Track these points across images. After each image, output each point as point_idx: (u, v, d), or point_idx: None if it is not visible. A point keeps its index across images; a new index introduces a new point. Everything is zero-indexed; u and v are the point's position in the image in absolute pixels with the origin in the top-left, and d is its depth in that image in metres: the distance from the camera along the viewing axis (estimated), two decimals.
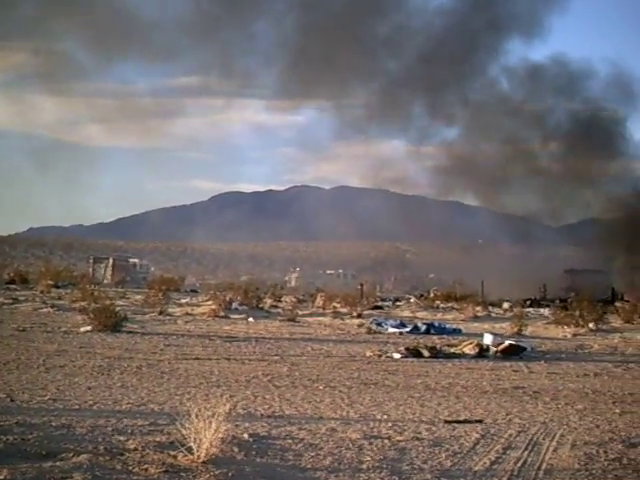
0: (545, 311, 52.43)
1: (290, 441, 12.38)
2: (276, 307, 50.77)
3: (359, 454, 11.65)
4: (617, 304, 60.36)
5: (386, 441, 12.63)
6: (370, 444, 12.34)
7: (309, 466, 10.89)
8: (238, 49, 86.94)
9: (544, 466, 11.18)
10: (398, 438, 12.89)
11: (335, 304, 51.44)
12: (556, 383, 20.63)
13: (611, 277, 76.73)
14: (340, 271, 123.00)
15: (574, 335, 36.04)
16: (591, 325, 38.97)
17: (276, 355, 25.64)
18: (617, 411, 16.32)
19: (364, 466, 10.95)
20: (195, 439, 10.32)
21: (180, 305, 48.86)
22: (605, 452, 12.15)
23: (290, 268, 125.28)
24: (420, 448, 12.20)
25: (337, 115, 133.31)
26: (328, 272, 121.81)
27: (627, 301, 65.38)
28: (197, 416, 10.45)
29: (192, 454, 10.31)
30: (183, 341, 29.25)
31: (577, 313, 40.90)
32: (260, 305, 49.30)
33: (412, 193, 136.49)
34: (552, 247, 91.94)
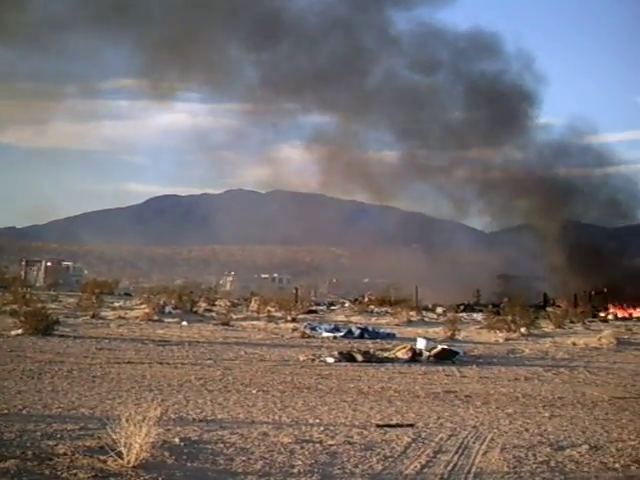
0: (478, 316, 52.94)
1: (222, 445, 12.34)
2: (210, 311, 50.63)
3: (290, 458, 11.64)
4: (549, 309, 61.25)
5: (318, 445, 12.64)
6: (302, 448, 12.34)
7: (240, 470, 10.86)
8: (169, 52, 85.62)
9: (474, 469, 11.28)
10: (330, 442, 12.91)
11: (269, 308, 51.47)
12: (487, 387, 20.82)
13: (543, 282, 77.70)
14: (275, 275, 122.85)
15: (506, 340, 36.38)
16: (523, 330, 39.39)
17: (209, 359, 25.53)
18: (546, 415, 16.51)
19: (295, 470, 10.96)
20: (125, 443, 10.24)
21: (113, 309, 48.54)
22: (534, 455, 12.29)
23: (225, 272, 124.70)
24: (352, 452, 12.23)
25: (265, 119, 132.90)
26: (263, 276, 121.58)
27: (559, 306, 66.40)
28: (128, 420, 10.37)
29: (122, 459, 10.23)
30: (116, 345, 29.00)
31: (509, 318, 41.35)
32: (194, 309, 49.15)
33: (349, 198, 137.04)
34: (486, 252, 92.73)
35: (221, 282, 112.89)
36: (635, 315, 67.35)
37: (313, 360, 25.83)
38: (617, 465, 11.81)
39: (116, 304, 52.88)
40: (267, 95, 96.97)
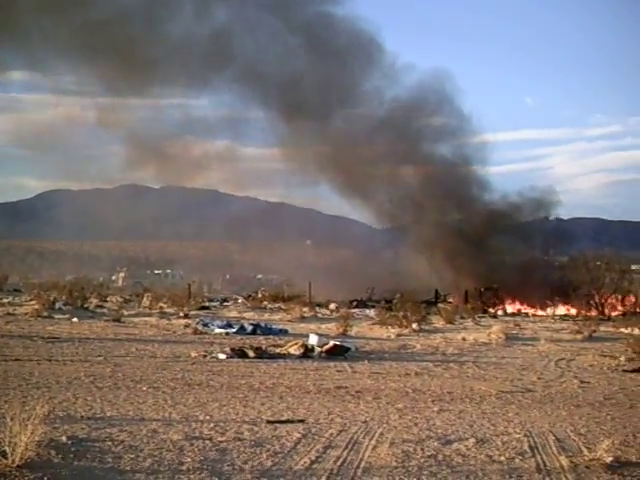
0: (371, 312, 53.29)
1: (110, 443, 12.20)
2: (102, 307, 49.86)
3: (180, 455, 11.58)
4: (440, 305, 62.05)
5: (207, 442, 12.60)
6: (191, 445, 12.28)
7: (128, 468, 10.76)
8: (63, 45, 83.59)
9: (363, 464, 11.38)
10: (220, 439, 12.88)
11: (162, 304, 51.00)
12: (378, 382, 21.01)
13: (435, 279, 78.64)
14: (168, 271, 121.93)
15: (398, 335, 36.75)
16: (414, 325, 39.84)
17: (99, 356, 25.20)
18: (435, 409, 16.75)
19: (184, 467, 10.91)
20: (10, 443, 10.05)
21: (2, 305, 47.47)
22: (422, 449, 12.46)
23: (117, 268, 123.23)
24: (241, 448, 12.22)
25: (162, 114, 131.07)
26: (156, 272, 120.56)
27: (449, 302, 67.37)
28: (12, 419, 10.18)
29: (6, 458, 10.03)
30: (3, 342, 28.38)
31: (401, 314, 41.77)
32: (85, 305, 48.35)
33: (243, 194, 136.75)
34: (379, 249, 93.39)
35: (113, 278, 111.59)
36: (524, 310, 68.80)
37: (205, 356, 25.72)
38: (502, 458, 12.05)
39: (5, 300, 51.72)
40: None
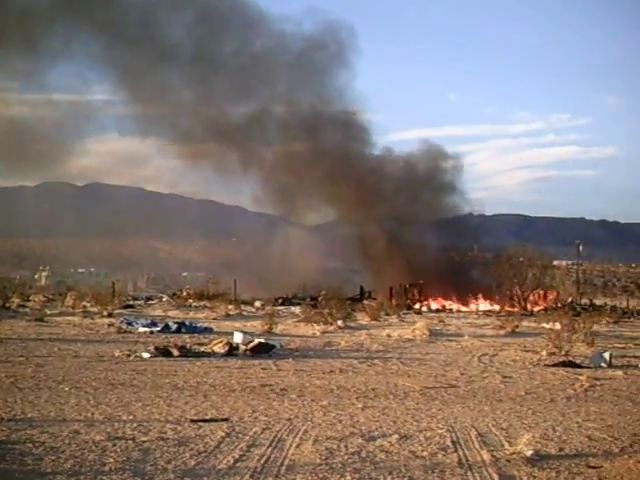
0: (296, 309, 53.33)
1: (30, 445, 12.05)
2: (24, 307, 49.12)
3: (102, 456, 11.49)
4: (365, 302, 62.35)
5: (130, 442, 12.51)
6: (114, 445, 12.19)
7: (49, 470, 10.64)
8: None
9: (287, 462, 11.39)
10: (143, 439, 12.79)
11: (85, 303, 50.40)
12: (303, 380, 21.02)
13: (361, 275, 79.01)
14: (92, 270, 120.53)
15: (323, 332, 36.80)
16: (339, 322, 39.96)
17: (21, 356, 24.85)
18: (359, 406, 16.82)
19: (106, 468, 10.83)
20: None
21: None
22: (346, 446, 12.52)
23: (40, 266, 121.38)
24: (165, 448, 12.16)
25: (82, 111, 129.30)
26: (80, 270, 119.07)
27: (374, 299, 67.67)
28: None
29: None
30: None
31: (326, 311, 41.86)
32: (7, 305, 47.62)
33: (168, 192, 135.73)
34: (306, 245, 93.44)
35: (36, 277, 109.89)
36: (448, 307, 69.45)
37: (128, 355, 25.50)
38: (425, 453, 12.16)
39: None
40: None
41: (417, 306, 66.17)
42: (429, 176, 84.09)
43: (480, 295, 72.06)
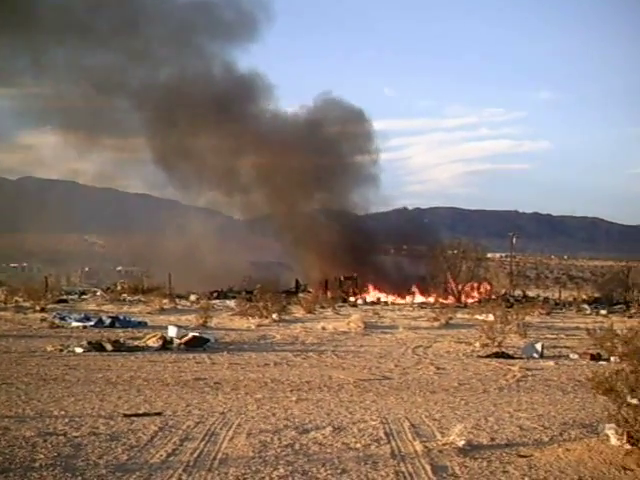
0: (231, 303, 53.20)
1: None
2: None
3: (32, 452, 11.35)
4: (300, 295, 62.42)
5: (62, 437, 12.39)
6: (45, 441, 12.05)
7: None
8: None
9: (220, 456, 11.36)
10: (74, 434, 12.67)
11: (17, 298, 49.80)
12: (237, 373, 20.98)
13: (296, 268, 79.08)
14: (25, 264, 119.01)
15: (258, 326, 36.77)
16: (274, 316, 39.96)
17: None
18: (293, 399, 16.82)
19: (37, 464, 10.70)
20: None
21: None
22: (279, 439, 12.51)
23: None
24: (97, 443, 12.05)
25: (19, 105, 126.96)
26: (12, 265, 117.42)
27: (310, 292, 67.78)
28: None
29: None
30: None
31: (261, 304, 41.81)
32: None
33: (104, 186, 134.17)
34: (242, 239, 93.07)
35: None
36: (383, 299, 69.78)
37: (61, 350, 25.25)
38: (358, 445, 12.20)
39: None
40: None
41: (352, 299, 66.38)
42: (358, 168, 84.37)
43: (415, 287, 72.55)
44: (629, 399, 11.23)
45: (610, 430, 11.74)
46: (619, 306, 62.60)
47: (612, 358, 24.14)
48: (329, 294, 64.86)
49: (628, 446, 11.27)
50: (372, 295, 71.59)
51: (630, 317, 48.05)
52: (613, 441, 11.64)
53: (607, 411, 11.71)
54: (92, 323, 34.93)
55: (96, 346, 25.70)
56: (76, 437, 12.45)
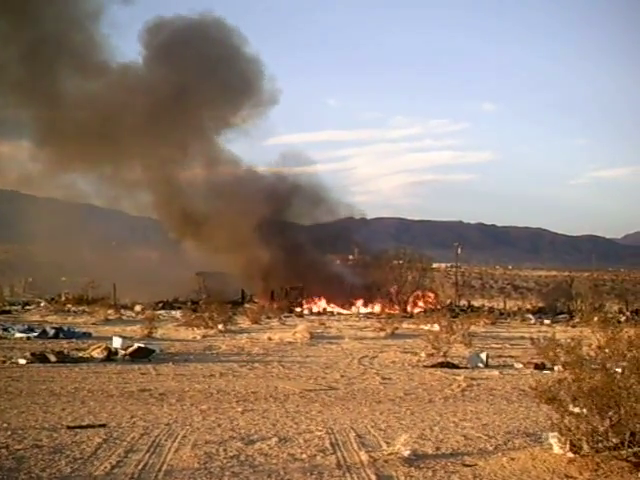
0: (177, 313, 52.95)
1: None
2: None
3: None
4: (247, 305, 62.32)
5: (4, 450, 12.24)
6: None
7: None
8: None
9: (165, 467, 11.29)
10: (17, 447, 12.52)
11: None
12: (182, 384, 20.86)
13: (242, 279, 78.84)
14: None
15: (204, 336, 36.58)
16: (220, 326, 39.79)
17: None
18: (239, 410, 16.78)
19: None
20: None
21: None
22: (225, 450, 12.47)
23: None
24: (40, 456, 11.92)
25: None
26: None
27: (256, 302, 67.70)
28: None
29: None
30: None
31: (207, 315, 41.63)
32: None
33: (44, 195, 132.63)
34: (187, 249, 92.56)
35: None
36: (329, 309, 69.86)
37: (4, 362, 24.88)
38: (304, 456, 12.20)
39: None
40: None
41: (298, 309, 66.37)
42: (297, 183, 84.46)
43: (361, 298, 72.73)
44: (571, 408, 11.36)
45: (553, 439, 11.87)
46: (563, 316, 63.31)
47: (555, 367, 24.40)
48: (275, 304, 64.81)
49: (571, 454, 11.40)
50: (318, 305, 71.63)
51: (573, 326, 48.54)
52: (556, 449, 11.77)
53: (550, 420, 11.84)
54: (36, 334, 34.52)
55: (40, 357, 25.42)
56: (19, 450, 12.31)
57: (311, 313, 64.92)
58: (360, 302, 71.62)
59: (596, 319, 46.28)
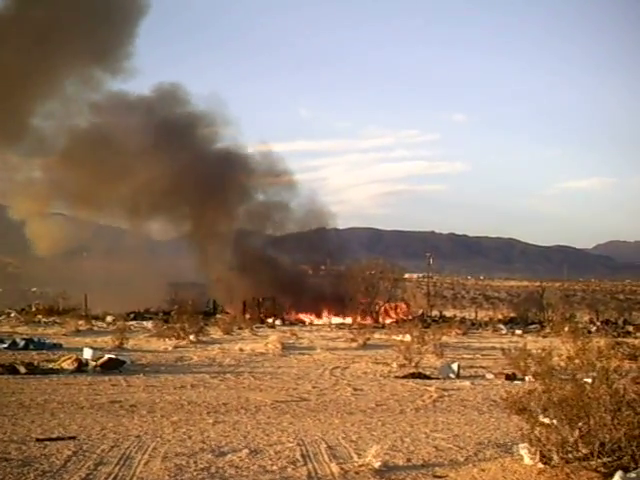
0: (148, 324, 52.75)
1: None
2: None
3: None
4: (218, 316, 62.17)
5: None
6: None
7: None
8: None
9: None
10: None
11: None
12: (153, 396, 20.77)
13: (213, 290, 78.63)
14: None
15: (175, 347, 36.46)
16: (192, 337, 39.67)
17: None
18: (210, 421, 16.71)
19: None
20: None
21: None
22: (195, 462, 12.41)
23: None
24: (8, 469, 11.82)
25: None
26: None
27: (227, 313, 67.54)
28: None
29: None
30: None
31: (178, 325, 41.50)
32: None
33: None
34: (157, 260, 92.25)
35: None
36: (301, 320, 69.84)
37: None
38: (275, 467, 12.16)
39: None
40: None
41: (270, 320, 66.25)
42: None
43: (333, 308, 72.74)
44: (542, 418, 11.39)
45: (524, 449, 11.90)
46: (534, 326, 63.57)
47: (526, 378, 24.52)
48: (247, 315, 64.72)
49: (541, 465, 11.43)
50: (290, 316, 71.55)
51: (544, 337, 48.76)
52: (527, 460, 11.79)
53: (521, 430, 11.87)
54: (5, 345, 34.31)
55: (9, 369, 25.26)
56: None
57: (283, 323, 64.81)
58: (332, 313, 71.63)
59: (567, 329, 46.66)
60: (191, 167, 77.57)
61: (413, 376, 26.23)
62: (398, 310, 74.85)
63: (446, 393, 22.30)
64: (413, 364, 28.90)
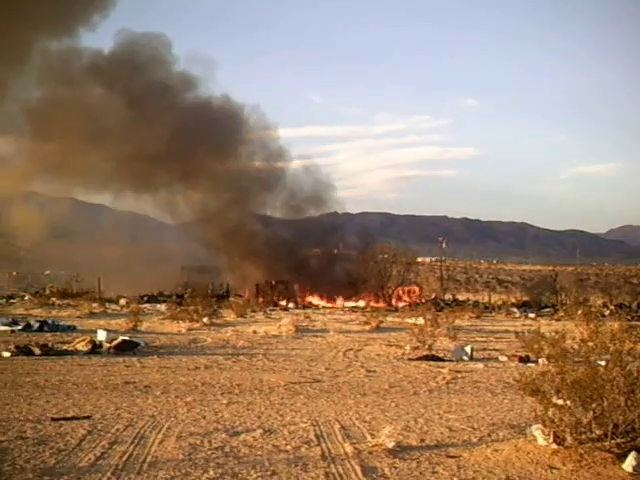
0: (162, 307, 52.91)
1: None
2: None
3: None
4: (231, 299, 62.29)
5: None
6: None
7: None
8: None
9: (149, 459, 11.26)
10: (1, 438, 12.49)
11: None
12: (167, 377, 20.85)
13: (228, 273, 78.83)
14: None
15: (189, 330, 36.57)
16: (205, 320, 39.77)
17: None
18: (224, 402, 16.77)
19: None
20: None
21: None
22: (209, 442, 12.45)
23: None
24: (24, 447, 11.89)
25: None
26: None
27: (240, 296, 67.68)
28: None
29: None
30: None
31: (191, 308, 41.60)
32: None
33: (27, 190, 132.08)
34: (172, 244, 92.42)
35: None
36: (315, 303, 69.96)
37: None
38: (289, 447, 12.19)
39: None
40: None
41: (283, 303, 66.38)
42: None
43: (347, 291, 72.79)
44: (555, 400, 11.39)
45: (537, 430, 11.90)
46: (547, 309, 63.49)
47: (540, 360, 24.50)
48: (260, 298, 64.84)
49: (554, 446, 11.44)
50: (304, 299, 71.68)
51: (557, 320, 48.70)
52: (540, 441, 11.80)
53: (534, 412, 11.87)
54: (20, 327, 34.46)
55: (24, 350, 25.38)
56: (2, 441, 12.27)
57: (297, 306, 64.92)
58: (346, 296, 71.70)
59: (580, 313, 46.56)
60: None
61: (427, 358, 26.25)
62: (411, 293, 74.93)
63: (459, 375, 22.31)
64: (426, 346, 28.90)
